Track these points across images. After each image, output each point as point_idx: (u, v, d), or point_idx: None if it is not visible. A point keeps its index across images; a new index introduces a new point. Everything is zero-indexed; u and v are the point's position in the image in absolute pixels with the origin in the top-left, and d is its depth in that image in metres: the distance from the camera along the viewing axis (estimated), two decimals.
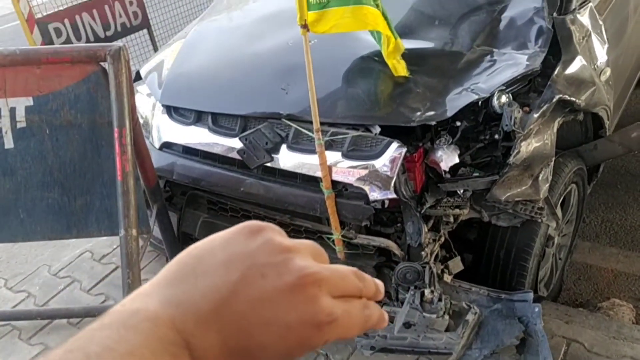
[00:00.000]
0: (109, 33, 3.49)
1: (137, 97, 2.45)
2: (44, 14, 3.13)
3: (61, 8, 3.23)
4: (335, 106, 2.00)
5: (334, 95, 2.02)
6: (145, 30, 3.78)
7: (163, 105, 2.26)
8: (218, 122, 2.15)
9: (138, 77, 2.61)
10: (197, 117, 2.19)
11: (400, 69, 1.98)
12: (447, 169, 1.98)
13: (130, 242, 1.60)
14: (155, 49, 3.85)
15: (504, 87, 1.96)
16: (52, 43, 3.16)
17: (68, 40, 3.25)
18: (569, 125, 2.30)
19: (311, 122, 1.92)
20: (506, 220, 2.11)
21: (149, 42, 3.84)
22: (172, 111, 2.26)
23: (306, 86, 1.89)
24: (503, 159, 1.98)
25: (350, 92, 2.03)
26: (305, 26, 1.79)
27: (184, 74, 2.31)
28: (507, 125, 1.89)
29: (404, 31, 2.22)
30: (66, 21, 3.23)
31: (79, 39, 3.32)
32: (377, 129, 1.92)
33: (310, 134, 1.93)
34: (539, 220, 2.08)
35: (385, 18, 1.87)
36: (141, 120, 2.40)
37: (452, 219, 2.04)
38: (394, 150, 1.87)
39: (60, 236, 1.77)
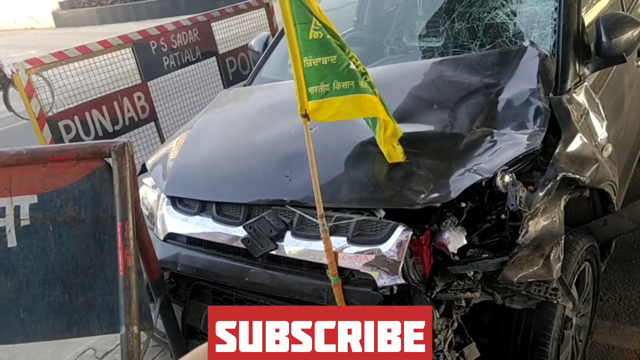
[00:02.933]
0: (117, 127, 3.58)
1: (142, 189, 2.48)
2: (55, 111, 3.24)
3: (71, 106, 3.33)
4: (338, 191, 2.00)
5: (337, 181, 2.02)
6: (152, 123, 3.89)
7: (168, 197, 2.27)
8: (222, 211, 2.15)
9: (144, 169, 2.65)
10: (202, 207, 2.19)
11: (395, 155, 2.00)
12: (455, 251, 1.94)
13: (132, 340, 1.55)
14: (162, 140, 3.94)
15: (507, 167, 1.96)
16: (61, 139, 3.24)
17: (77, 136, 3.33)
18: (576, 202, 2.28)
19: (315, 208, 1.91)
20: (520, 302, 2.04)
21: (156, 133, 3.93)
22: (177, 202, 2.26)
23: (309, 173, 1.91)
24: (512, 239, 1.94)
25: (353, 176, 2.03)
26: (305, 115, 1.83)
27: (188, 165, 2.34)
28: (512, 205, 1.88)
29: (403, 116, 2.26)
30: (76, 118, 3.33)
31: (87, 134, 3.41)
32: (382, 213, 1.91)
33: (314, 219, 1.92)
34: (555, 302, 2.01)
35: (383, 104, 1.91)
36: (146, 212, 2.40)
37: (464, 303, 1.97)
38: (400, 233, 1.85)
39: (61, 336, 1.72)
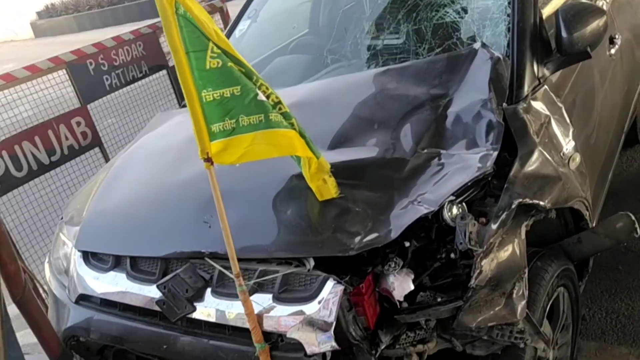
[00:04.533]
0: (54, 158, 3.30)
1: (59, 241, 2.21)
2: None
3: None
4: (262, 238, 1.73)
5: (260, 225, 1.75)
6: (97, 149, 3.60)
7: (79, 251, 2.00)
8: (137, 266, 1.89)
9: None
10: (115, 262, 1.93)
11: (326, 191, 1.73)
12: (402, 298, 1.68)
13: None
14: None
15: (455, 197, 1.69)
16: None
17: (7, 173, 3.04)
18: (544, 220, 2.01)
19: (240, 260, 1.65)
20: (483, 348, 1.78)
21: (102, 160, 3.65)
22: (90, 257, 1.99)
23: (232, 216, 1.64)
24: (466, 278, 1.68)
25: (279, 219, 1.76)
26: (208, 159, 1.55)
27: (101, 212, 2.07)
28: (461, 243, 1.61)
29: (339, 140, 1.98)
30: (4, 153, 3.04)
31: (19, 169, 3.12)
32: (311, 263, 1.64)
33: (232, 276, 1.65)
34: (522, 345, 1.74)
35: (303, 137, 1.64)
36: (62, 268, 2.14)
37: (416, 358, 1.71)
38: (330, 289, 1.58)
39: None
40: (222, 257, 1.72)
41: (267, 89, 1.62)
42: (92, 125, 3.54)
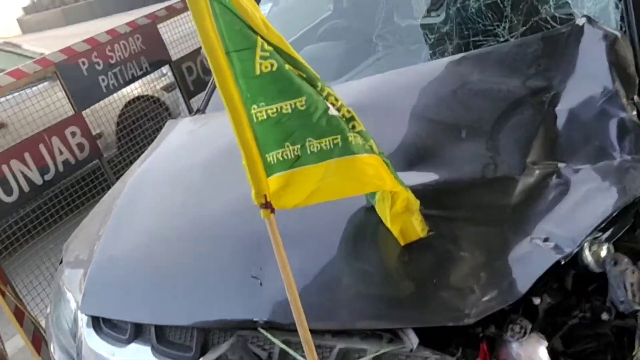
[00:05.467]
0: (48, 177, 2.83)
1: (61, 293, 1.75)
2: None
3: None
4: (336, 301, 1.27)
5: (331, 283, 1.29)
6: (96, 161, 3.13)
7: (88, 317, 1.55)
8: (166, 337, 1.43)
9: None
10: (136, 331, 1.47)
11: (411, 231, 1.27)
12: None
13: None
14: (111, 183, 3.19)
15: (600, 232, 1.23)
16: None
17: None
18: None
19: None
20: None
21: (103, 174, 3.18)
22: (101, 322, 1.54)
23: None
24: (619, 344, 1.23)
25: (357, 273, 1.30)
26: (267, 205, 1.08)
27: (112, 263, 1.61)
28: (622, 302, 1.15)
29: (414, 155, 1.52)
30: None
31: (9, 193, 2.66)
32: (413, 339, 1.18)
33: (302, 358, 1.20)
34: None
35: (386, 164, 1.18)
36: (66, 328, 1.68)
37: None
38: None
39: None
40: (282, 328, 1.27)
41: (336, 99, 1.15)
42: (89, 134, 3.07)
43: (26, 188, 2.73)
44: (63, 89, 2.97)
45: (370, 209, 1.36)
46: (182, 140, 2.08)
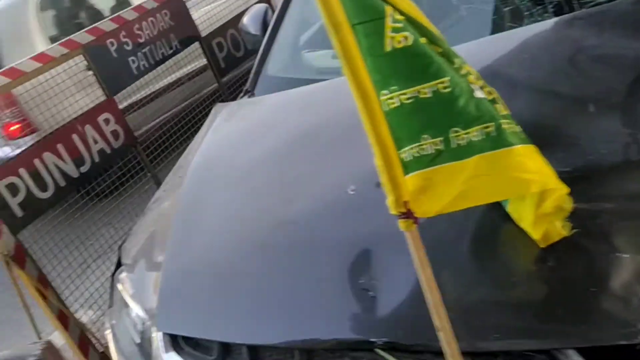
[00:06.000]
0: (84, 169, 2.64)
1: (122, 302, 1.57)
2: None
3: (11, 156, 2.39)
4: (480, 320, 1.06)
5: (470, 298, 1.09)
6: (132, 149, 2.93)
7: (164, 334, 1.36)
8: (261, 358, 1.24)
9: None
10: (224, 351, 1.28)
11: (554, 231, 1.06)
12: None
13: None
14: (149, 170, 3.00)
15: None
16: (6, 207, 2.31)
17: (29, 197, 2.40)
18: None
19: (433, 354, 1.01)
20: None
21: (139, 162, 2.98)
22: (180, 341, 1.35)
23: (407, 277, 1.01)
24: None
25: (498, 285, 1.09)
26: (408, 214, 0.87)
27: (186, 274, 1.41)
28: None
29: (538, 137, 1.29)
30: (22, 171, 2.39)
31: (44, 189, 2.47)
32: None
33: None
34: None
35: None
36: (137, 341, 1.50)
37: None
38: None
39: None
40: (405, 350, 1.08)
41: (477, 78, 0.93)
42: (123, 120, 2.86)
43: (62, 182, 2.54)
44: (93, 72, 2.75)
45: (493, 205, 1.15)
46: (240, 127, 1.86)
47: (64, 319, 2.48)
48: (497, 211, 1.11)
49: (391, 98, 0.86)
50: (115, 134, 2.81)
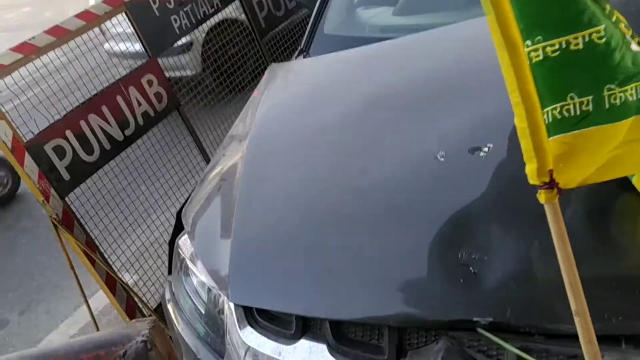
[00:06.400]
0: (128, 132, 2.56)
1: (187, 270, 1.50)
2: (34, 132, 2.23)
3: (58, 118, 2.31)
4: (603, 300, 0.96)
5: (597, 274, 0.99)
6: (175, 112, 2.84)
7: (236, 306, 1.29)
8: (344, 334, 1.17)
9: (179, 224, 1.67)
10: (303, 326, 1.21)
11: None
12: None
13: None
14: (193, 136, 2.92)
15: None
16: (54, 170, 2.25)
17: (76, 159, 2.34)
18: None
19: (545, 336, 0.92)
20: None
21: (183, 126, 2.90)
22: (255, 315, 1.28)
23: (518, 253, 0.92)
24: None
25: (627, 265, 0.99)
26: (551, 183, 0.77)
27: (260, 244, 1.33)
28: None
29: None
30: (69, 133, 2.32)
31: (90, 152, 2.41)
32: None
33: None
34: None
35: None
36: (202, 310, 1.44)
37: None
38: None
39: None
40: (514, 331, 0.99)
41: (627, 27, 0.81)
42: (165, 82, 2.77)
43: (107, 145, 2.47)
44: (135, 31, 2.65)
45: None
46: (304, 88, 1.76)
47: (112, 283, 2.45)
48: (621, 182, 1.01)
49: (535, 50, 0.75)
50: (158, 96, 2.72)
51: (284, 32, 3.68)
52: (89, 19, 2.44)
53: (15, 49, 2.16)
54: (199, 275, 1.47)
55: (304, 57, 2.06)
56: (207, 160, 2.99)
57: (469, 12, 1.75)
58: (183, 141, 2.94)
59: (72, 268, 2.41)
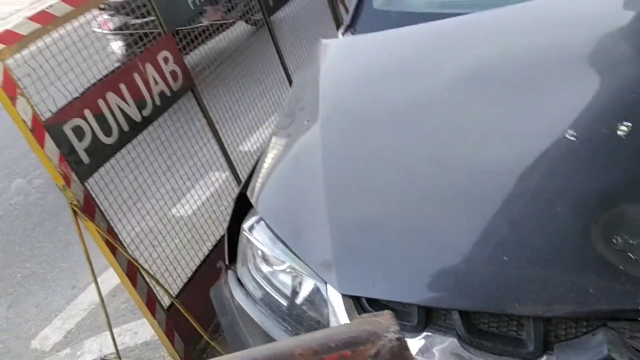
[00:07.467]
0: (145, 113, 2.39)
1: (261, 256, 1.39)
2: (53, 110, 2.03)
3: (76, 96, 2.12)
4: None
5: None
6: (190, 94, 2.67)
7: (345, 297, 1.18)
8: (476, 326, 1.08)
9: (242, 203, 1.55)
10: (425, 317, 1.12)
11: None
12: None
13: None
14: (206, 117, 2.75)
15: None
16: (73, 152, 2.07)
17: (95, 141, 2.15)
18: None
19: None
20: None
21: (197, 108, 2.73)
22: (367, 305, 1.18)
23: None
24: None
25: None
26: None
27: (362, 228, 1.24)
28: None
29: None
30: (87, 112, 2.13)
31: (108, 134, 2.22)
32: None
33: None
34: None
35: None
36: (285, 304, 1.34)
37: None
38: None
39: None
40: None
41: None
42: (181, 60, 2.60)
43: (125, 127, 2.29)
44: (151, 4, 2.47)
45: None
46: (371, 66, 1.65)
47: (133, 273, 2.28)
48: None
49: None
50: (174, 74, 2.55)
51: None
52: None
53: (33, 18, 1.95)
54: (281, 262, 1.35)
55: (352, 33, 1.95)
56: (220, 144, 2.84)
57: None
58: (198, 133, 2.77)
59: (88, 258, 2.23)
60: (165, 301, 2.46)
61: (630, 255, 0.98)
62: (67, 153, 2.05)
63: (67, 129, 2.07)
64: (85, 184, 2.13)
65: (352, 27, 1.99)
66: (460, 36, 1.56)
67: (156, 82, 2.45)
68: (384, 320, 0.57)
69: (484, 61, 1.40)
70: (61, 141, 2.03)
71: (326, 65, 1.76)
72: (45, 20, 1.99)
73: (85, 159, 2.12)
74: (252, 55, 3.51)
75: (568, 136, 1.14)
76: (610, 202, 1.04)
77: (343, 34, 1.98)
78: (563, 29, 1.45)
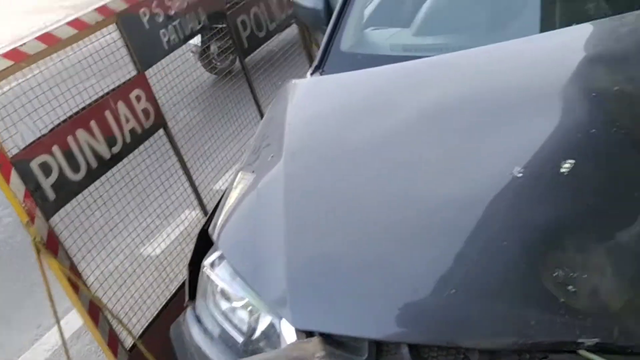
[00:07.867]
0: (115, 150, 2.40)
1: (219, 291, 1.39)
2: (20, 146, 2.04)
3: (45, 131, 2.13)
4: None
5: None
6: (161, 130, 2.70)
7: (298, 331, 1.19)
8: (424, 358, 1.09)
9: (203, 240, 1.55)
10: (376, 351, 1.13)
11: None
12: None
13: None
14: (177, 154, 2.77)
15: None
16: (39, 188, 2.06)
17: (62, 178, 2.15)
18: None
19: None
20: None
21: (168, 145, 2.75)
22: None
23: (623, 269, 0.90)
24: None
25: None
26: None
27: (318, 263, 1.25)
28: None
29: None
30: (55, 149, 2.14)
31: (76, 170, 2.23)
32: None
33: None
34: None
35: None
36: (241, 340, 1.33)
37: None
38: None
39: None
40: (621, 352, 0.95)
41: None
42: (153, 98, 2.64)
43: (94, 164, 2.30)
44: (125, 44, 2.51)
45: None
46: (336, 105, 1.70)
47: (95, 312, 2.25)
48: None
49: None
50: (146, 112, 2.58)
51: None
52: (80, 27, 2.28)
53: (6, 55, 1.98)
54: (240, 298, 1.36)
55: (321, 74, 2.02)
56: (191, 182, 2.86)
57: (489, 36, 1.77)
58: (169, 161, 2.79)
59: (50, 296, 2.19)
60: (128, 342, 2.42)
61: (570, 287, 1.01)
62: (33, 189, 2.05)
63: (35, 165, 2.07)
64: (50, 221, 2.12)
65: (320, 68, 2.05)
66: (420, 77, 1.62)
67: (127, 120, 2.48)
68: (312, 347, 0.59)
69: (442, 102, 1.45)
70: (28, 177, 2.03)
71: (293, 103, 1.81)
72: (17, 57, 2.01)
73: (51, 195, 2.11)
74: (226, 95, 3.57)
75: (516, 173, 1.18)
76: (553, 236, 1.07)
77: (312, 74, 2.04)
78: (517, 71, 1.52)
